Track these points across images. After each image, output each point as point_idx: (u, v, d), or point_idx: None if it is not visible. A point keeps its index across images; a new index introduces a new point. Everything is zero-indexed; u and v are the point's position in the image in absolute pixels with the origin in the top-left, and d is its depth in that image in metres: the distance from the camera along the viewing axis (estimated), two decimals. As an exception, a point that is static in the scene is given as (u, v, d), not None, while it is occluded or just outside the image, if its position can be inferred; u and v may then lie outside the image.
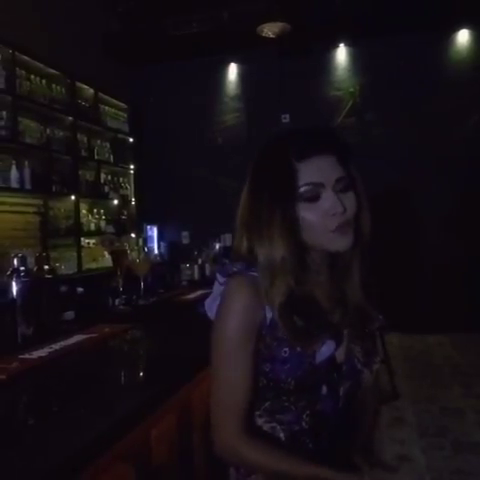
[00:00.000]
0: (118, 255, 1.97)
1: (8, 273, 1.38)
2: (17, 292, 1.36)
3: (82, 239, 4.60)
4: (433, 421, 3.06)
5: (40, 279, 1.49)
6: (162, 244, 5.59)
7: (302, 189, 0.89)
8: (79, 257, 4.44)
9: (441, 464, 2.56)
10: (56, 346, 1.40)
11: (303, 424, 0.94)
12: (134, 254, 2.06)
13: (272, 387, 0.94)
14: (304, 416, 0.94)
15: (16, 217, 3.91)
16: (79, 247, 4.49)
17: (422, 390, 3.54)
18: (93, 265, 4.66)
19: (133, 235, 5.13)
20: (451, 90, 4.95)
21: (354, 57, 5.33)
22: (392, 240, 4.64)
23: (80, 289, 2.48)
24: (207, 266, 2.94)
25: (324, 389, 0.94)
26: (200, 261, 2.99)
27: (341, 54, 5.38)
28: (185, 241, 5.62)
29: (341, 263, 0.97)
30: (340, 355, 0.96)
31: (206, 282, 2.74)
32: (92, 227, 4.81)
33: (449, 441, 2.80)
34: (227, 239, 3.39)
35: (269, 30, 4.53)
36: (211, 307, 1.00)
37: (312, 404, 0.94)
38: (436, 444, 2.78)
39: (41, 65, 4.18)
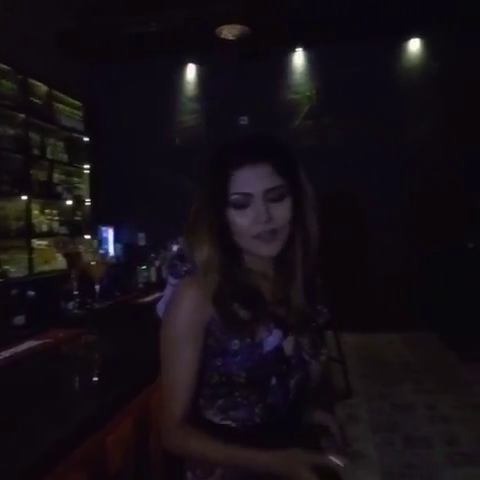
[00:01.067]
0: (72, 257, 1.93)
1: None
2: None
3: (34, 241, 4.45)
4: (385, 417, 3.16)
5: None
6: (117, 246, 5.49)
7: (232, 197, 0.95)
8: (30, 259, 4.30)
9: (393, 459, 2.65)
10: (6, 353, 1.35)
11: (256, 418, 0.97)
12: (89, 256, 2.02)
13: (224, 382, 0.96)
14: (256, 410, 0.97)
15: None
16: (30, 249, 4.34)
17: (375, 387, 3.64)
18: (45, 267, 4.52)
19: (88, 237, 5.03)
20: (403, 96, 5.13)
21: (311, 61, 5.43)
22: (345, 241, 4.76)
23: (31, 293, 2.40)
24: (164, 268, 2.92)
25: (274, 380, 0.97)
26: (157, 263, 2.96)
27: (298, 58, 5.47)
28: (141, 243, 5.55)
29: (286, 267, 1.02)
30: (288, 348, 1.00)
31: (163, 284, 2.72)
32: (44, 228, 4.66)
33: (400, 436, 2.90)
34: (182, 242, 3.36)
35: (228, 32, 4.55)
36: (161, 309, 1.03)
37: (263, 397, 0.97)
38: (388, 439, 2.87)
39: (-9, 60, 4.03)
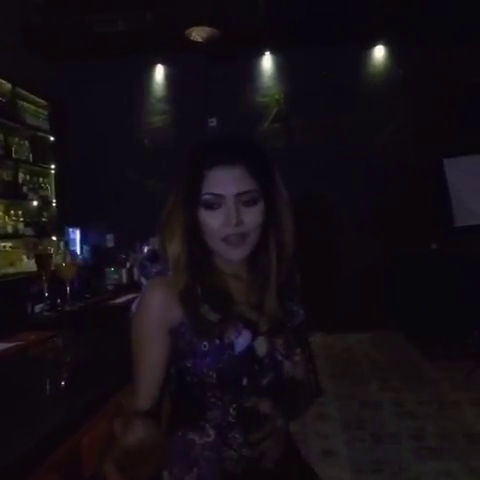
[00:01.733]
0: (42, 259, 1.88)
1: None
2: None
3: (-2, 242, 4.33)
4: (354, 415, 3.22)
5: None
6: (85, 247, 5.39)
7: (204, 197, 0.95)
8: (-6, 261, 4.18)
9: (362, 455, 2.70)
10: (-22, 355, 1.32)
11: (230, 419, 0.97)
12: (58, 258, 1.98)
13: (197, 383, 0.96)
14: (231, 410, 0.97)
15: None
16: (-5, 251, 4.22)
17: (344, 386, 3.70)
18: (10, 270, 4.40)
19: (54, 238, 4.92)
20: (369, 100, 5.25)
21: (279, 65, 5.49)
22: (312, 243, 4.83)
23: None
24: (135, 270, 2.88)
25: (244, 380, 0.96)
26: (128, 265, 2.93)
27: (267, 62, 5.52)
28: (109, 244, 5.47)
29: (260, 270, 1.02)
30: (261, 348, 0.99)
31: (135, 286, 2.69)
32: (9, 230, 4.53)
33: (369, 433, 2.96)
34: (156, 242, 3.33)
35: (197, 34, 4.54)
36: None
37: (236, 397, 0.97)
38: (357, 437, 2.92)
39: (-48, 55, 3.90)
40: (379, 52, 5.38)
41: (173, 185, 1.03)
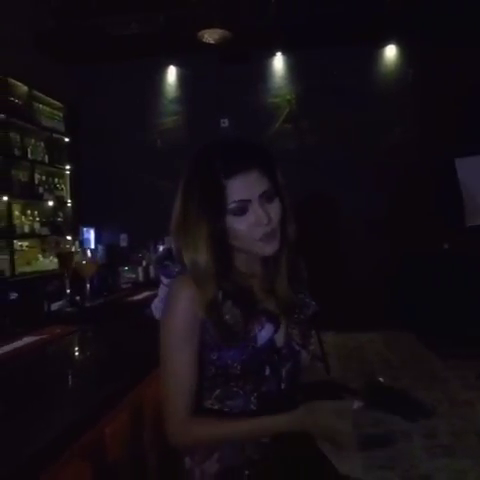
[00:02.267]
0: (64, 257, 1.94)
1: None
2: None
3: (15, 242, 4.41)
4: (366, 414, 3.23)
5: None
6: (99, 247, 5.46)
7: (231, 206, 0.98)
8: (12, 260, 4.26)
9: (374, 452, 2.72)
10: (8, 347, 1.38)
11: (251, 406, 1.03)
12: (78, 256, 2.04)
13: (221, 374, 1.01)
14: (252, 398, 1.02)
15: None
16: (12, 250, 4.30)
17: (356, 384, 3.72)
18: (27, 269, 4.49)
19: (69, 237, 5.01)
20: (379, 101, 5.26)
21: (290, 66, 5.52)
22: (324, 242, 4.86)
23: (14, 294, 2.40)
24: (151, 268, 2.94)
25: (267, 370, 1.02)
26: (144, 263, 2.99)
27: (278, 62, 5.55)
28: (123, 244, 5.54)
29: (272, 262, 1.08)
30: (279, 339, 1.05)
31: (151, 284, 2.75)
32: (26, 229, 4.62)
33: (381, 431, 2.97)
34: (171, 241, 3.39)
35: (209, 36, 4.59)
36: (158, 308, 1.07)
37: (258, 386, 1.02)
38: (369, 434, 2.94)
39: (-30, 59, 3.99)
40: (390, 52, 5.38)
41: (178, 193, 1.05)
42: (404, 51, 5.33)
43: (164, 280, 1.08)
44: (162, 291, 1.08)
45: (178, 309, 1.00)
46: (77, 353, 1.59)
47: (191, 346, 1.00)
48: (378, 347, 4.78)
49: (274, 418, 0.97)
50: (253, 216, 0.99)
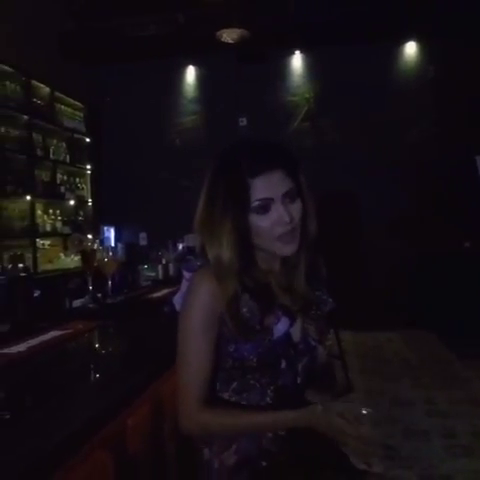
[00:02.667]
0: (87, 255, 1.99)
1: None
2: (-6, 289, 1.38)
3: (38, 240, 4.51)
4: (384, 412, 3.22)
5: (16, 277, 1.50)
6: (119, 245, 5.54)
7: (254, 204, 1.02)
8: (35, 258, 4.35)
9: (392, 452, 2.71)
10: (34, 341, 1.43)
11: (267, 399, 1.05)
12: (99, 254, 2.09)
13: (238, 367, 1.04)
14: (268, 392, 1.05)
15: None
16: (35, 248, 4.39)
17: (374, 383, 3.71)
18: (49, 267, 4.58)
19: (90, 236, 5.08)
20: (400, 98, 5.21)
21: (309, 64, 5.51)
22: (343, 241, 4.84)
23: (37, 292, 2.45)
24: (171, 266, 2.98)
25: (283, 363, 1.05)
26: (164, 261, 3.03)
27: (297, 61, 5.54)
28: (143, 242, 5.60)
29: (291, 260, 1.11)
30: (296, 334, 1.08)
31: (170, 281, 2.79)
32: (48, 228, 4.72)
33: (399, 430, 2.96)
34: (190, 239, 3.44)
35: (228, 36, 4.61)
36: (179, 302, 1.10)
37: (274, 379, 1.05)
38: (387, 433, 2.93)
39: (-5, 62, 4.09)
40: (410, 48, 5.33)
41: (203, 190, 1.08)
42: (424, 48, 5.28)
43: (186, 275, 1.11)
44: (184, 286, 1.10)
45: (197, 302, 1.04)
46: (99, 347, 1.64)
47: (207, 338, 1.03)
48: (397, 346, 4.75)
49: (283, 413, 1.00)
50: (276, 214, 1.02)
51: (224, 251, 1.01)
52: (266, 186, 1.02)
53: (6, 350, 1.39)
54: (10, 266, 1.46)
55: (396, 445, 2.78)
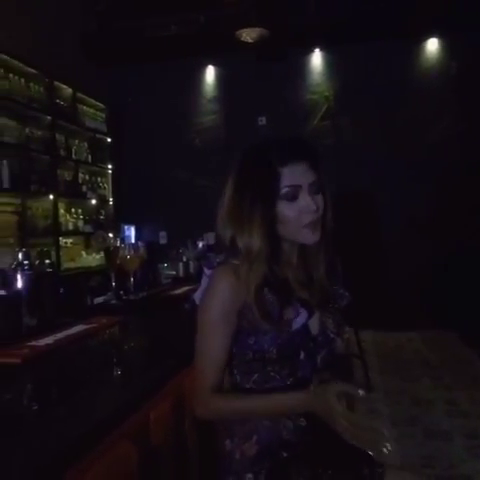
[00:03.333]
0: (111, 252, 2.04)
1: (13, 266, 1.44)
2: (22, 284, 1.43)
3: (60, 239, 4.59)
4: (405, 412, 3.20)
5: (43, 273, 1.55)
6: (139, 244, 5.59)
7: (284, 190, 1.06)
8: (58, 257, 4.44)
9: (413, 451, 2.70)
10: (60, 335, 1.49)
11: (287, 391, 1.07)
12: (121, 251, 2.13)
13: (258, 359, 1.07)
14: (288, 383, 1.07)
15: (-6, 216, 3.89)
16: (58, 246, 4.48)
17: (394, 383, 3.69)
18: (71, 265, 4.66)
19: (111, 235, 5.16)
20: (421, 96, 5.16)
21: (329, 62, 5.49)
22: (362, 240, 4.81)
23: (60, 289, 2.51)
24: (191, 264, 3.02)
25: (302, 355, 1.07)
26: (184, 259, 3.07)
27: (316, 59, 5.53)
28: (162, 241, 5.65)
29: (310, 254, 1.14)
30: (314, 327, 1.10)
31: (191, 279, 2.83)
32: (70, 227, 4.81)
33: (420, 430, 2.94)
34: (210, 238, 3.48)
35: (247, 35, 4.63)
36: (199, 298, 1.14)
37: (293, 371, 1.07)
38: (408, 433, 2.92)
39: (20, 64, 4.17)
40: (432, 45, 5.26)
41: (230, 182, 1.12)
42: (447, 44, 5.20)
43: (206, 271, 1.14)
44: (204, 282, 1.14)
45: (216, 296, 1.07)
46: (122, 341, 1.70)
47: (225, 331, 1.06)
48: (418, 346, 4.70)
49: (287, 395, 1.03)
50: (303, 202, 1.06)
51: (254, 240, 1.05)
52: (294, 175, 1.06)
53: (34, 342, 1.45)
54: (37, 262, 1.50)
55: (416, 445, 2.76)
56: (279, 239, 1.09)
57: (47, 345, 1.43)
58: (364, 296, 3.70)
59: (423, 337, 4.87)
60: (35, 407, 1.09)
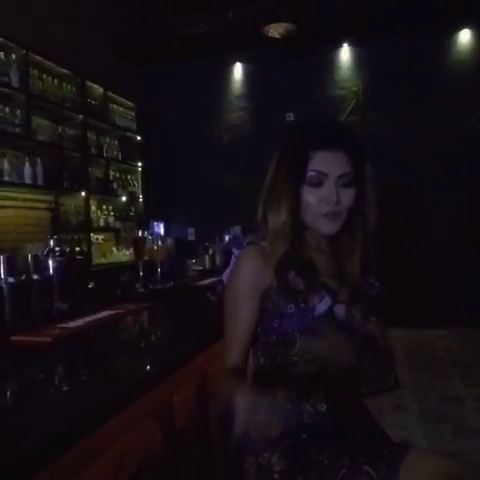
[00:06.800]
0: (139, 242, 2.10)
1: (45, 253, 1.51)
2: (53, 270, 1.50)
3: (91, 235, 4.71)
4: (433, 408, 3.16)
5: (73, 259, 1.61)
6: (168, 240, 5.67)
7: (309, 173, 1.06)
8: (89, 252, 4.54)
9: (442, 447, 2.66)
10: (89, 318, 1.57)
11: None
12: (149, 244, 2.19)
13: (281, 342, 1.08)
14: (311, 367, 1.08)
15: (28, 212, 4.02)
16: (89, 242, 4.59)
17: (423, 380, 3.63)
18: (102, 260, 4.77)
19: (140, 231, 5.26)
20: (453, 89, 5.04)
21: (357, 57, 5.43)
22: (393, 237, 4.73)
23: (91, 283, 2.58)
24: (218, 256, 3.07)
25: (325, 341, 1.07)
26: (211, 252, 3.12)
27: (345, 54, 5.48)
28: (191, 237, 5.72)
29: (345, 246, 1.14)
30: (340, 314, 1.10)
31: (217, 271, 2.87)
32: (101, 223, 4.92)
33: (449, 426, 2.89)
34: (237, 231, 3.52)
35: (274, 31, 4.63)
36: (227, 277, 1.19)
37: (316, 357, 1.07)
38: (437, 429, 2.87)
39: (53, 65, 4.30)
40: (464, 36, 5.13)
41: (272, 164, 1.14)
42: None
43: (235, 251, 1.19)
44: (233, 262, 1.18)
45: (242, 274, 1.11)
46: (149, 324, 1.80)
47: (250, 305, 1.09)
48: (448, 344, 4.61)
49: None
50: (326, 191, 1.06)
51: (281, 216, 1.08)
52: (324, 161, 1.06)
53: (64, 324, 1.53)
54: (68, 249, 1.57)
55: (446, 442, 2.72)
56: (303, 221, 1.10)
57: (77, 327, 1.52)
58: (396, 292, 3.65)
59: (454, 335, 4.77)
60: (65, 389, 1.15)
